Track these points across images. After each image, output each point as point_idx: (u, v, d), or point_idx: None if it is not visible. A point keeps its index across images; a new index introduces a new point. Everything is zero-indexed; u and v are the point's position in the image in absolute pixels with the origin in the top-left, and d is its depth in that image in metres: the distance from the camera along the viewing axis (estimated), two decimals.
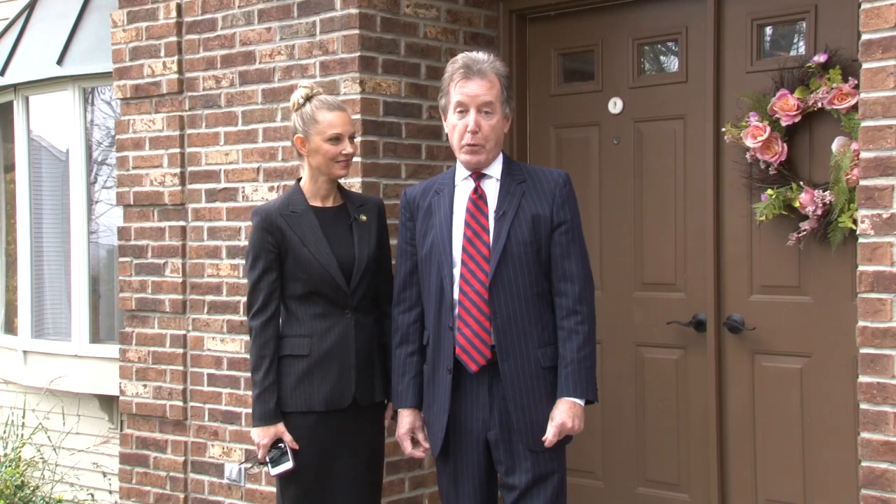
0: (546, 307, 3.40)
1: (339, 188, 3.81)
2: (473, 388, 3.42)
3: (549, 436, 3.32)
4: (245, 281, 4.72)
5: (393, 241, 3.80)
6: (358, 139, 4.35)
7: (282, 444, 3.63)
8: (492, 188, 3.44)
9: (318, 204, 3.73)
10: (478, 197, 3.43)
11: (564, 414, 3.34)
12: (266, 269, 3.67)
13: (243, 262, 4.75)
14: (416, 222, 3.55)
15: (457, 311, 3.40)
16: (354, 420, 3.69)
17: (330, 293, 3.66)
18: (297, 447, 3.62)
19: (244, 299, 4.75)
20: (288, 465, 3.61)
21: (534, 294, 3.37)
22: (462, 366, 3.40)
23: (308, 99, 3.70)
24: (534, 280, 3.37)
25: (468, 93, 3.38)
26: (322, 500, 3.66)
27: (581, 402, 3.37)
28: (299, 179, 3.79)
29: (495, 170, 3.46)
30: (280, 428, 3.63)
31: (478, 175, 3.46)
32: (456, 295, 3.40)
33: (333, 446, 3.66)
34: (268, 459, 3.65)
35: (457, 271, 3.40)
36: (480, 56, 3.44)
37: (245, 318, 4.73)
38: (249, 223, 4.70)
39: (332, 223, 3.72)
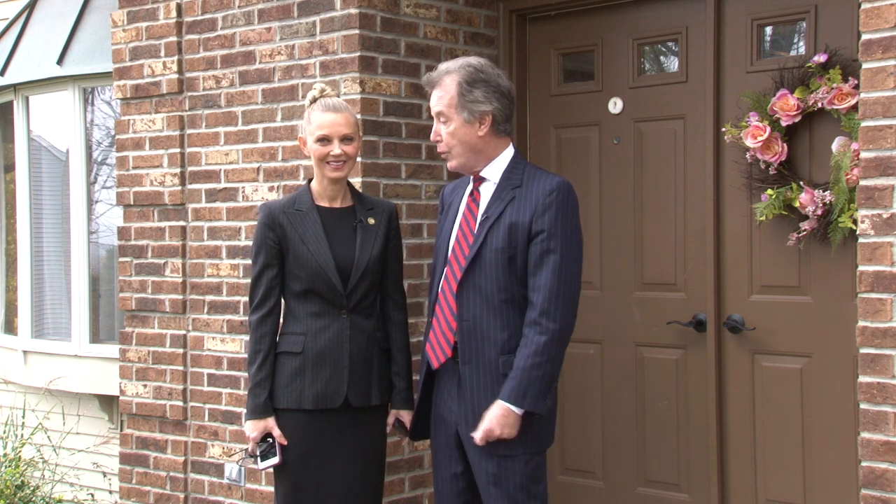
0: (516, 315, 3.33)
1: (351, 190, 3.82)
2: (448, 381, 3.47)
3: (477, 438, 3.29)
4: (246, 281, 4.73)
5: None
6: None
7: (271, 439, 3.66)
8: (488, 192, 3.45)
9: (324, 204, 3.74)
10: (472, 200, 3.47)
11: (494, 420, 3.27)
12: (266, 264, 3.69)
13: (244, 262, 4.76)
14: (440, 217, 3.63)
15: (434, 308, 3.48)
16: (348, 421, 3.68)
17: (326, 292, 3.66)
18: (285, 443, 3.64)
19: (244, 299, 4.76)
20: (275, 459, 3.64)
21: (501, 301, 3.32)
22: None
23: (314, 101, 3.71)
24: (502, 287, 3.32)
25: (431, 104, 3.46)
26: (312, 499, 3.66)
27: (517, 410, 3.25)
28: (310, 179, 3.80)
29: (494, 173, 3.44)
30: (270, 422, 3.66)
31: (478, 177, 3.47)
32: (436, 293, 3.48)
33: (323, 446, 3.65)
34: (257, 453, 3.67)
35: (446, 270, 3.46)
36: (443, 65, 3.46)
37: (245, 318, 4.74)
38: (250, 223, 4.72)
39: (337, 224, 3.72)
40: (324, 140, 3.64)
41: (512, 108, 3.47)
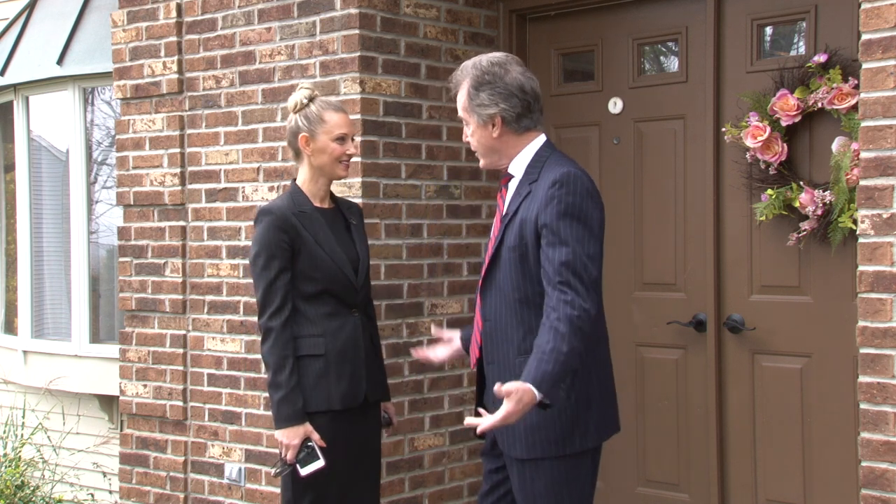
0: (531, 314, 3.25)
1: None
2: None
3: (495, 392, 3.04)
4: (245, 281, 4.73)
5: None
6: (358, 139, 4.36)
7: (310, 444, 3.61)
8: (512, 189, 3.38)
9: (318, 205, 3.77)
10: (500, 197, 3.42)
11: (515, 396, 2.97)
12: (282, 268, 3.64)
13: (244, 262, 4.75)
14: None
15: (475, 308, 3.47)
16: (363, 418, 3.77)
17: (341, 292, 3.71)
18: (324, 445, 3.62)
19: (244, 299, 4.75)
20: (319, 463, 3.59)
21: (516, 299, 3.27)
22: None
23: (311, 100, 3.73)
24: (516, 285, 3.27)
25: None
26: (340, 498, 3.70)
27: (536, 392, 3.00)
28: (294, 180, 3.81)
29: (518, 169, 3.36)
30: (308, 427, 3.62)
31: (506, 173, 3.41)
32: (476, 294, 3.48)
33: (348, 444, 3.71)
34: (296, 460, 3.62)
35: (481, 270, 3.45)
36: (464, 64, 3.38)
37: (245, 318, 4.74)
38: (250, 223, 4.71)
39: (333, 224, 3.78)
40: (342, 139, 3.72)
41: (529, 103, 3.30)
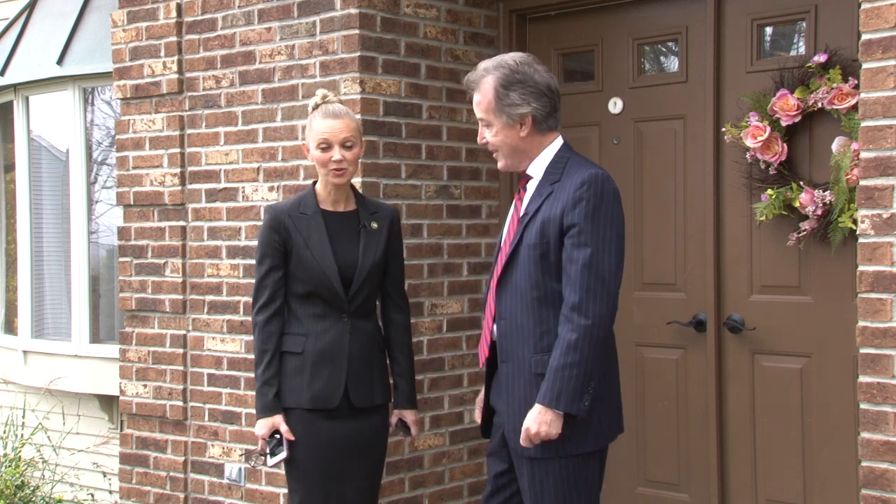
0: (549, 312, 3.26)
1: (355, 194, 3.86)
2: (498, 379, 3.42)
3: (521, 441, 3.23)
4: (246, 281, 4.73)
5: None
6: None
7: (278, 435, 3.70)
8: (532, 189, 3.38)
9: (328, 208, 3.78)
10: (518, 198, 3.42)
11: (530, 418, 3.17)
12: (272, 266, 3.73)
13: (244, 262, 4.76)
14: None
15: (484, 307, 3.46)
16: (352, 421, 3.73)
17: (328, 296, 3.72)
18: (292, 438, 3.68)
19: (244, 299, 4.76)
20: (282, 454, 3.69)
21: (533, 298, 3.27)
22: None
23: (317, 107, 3.75)
24: (534, 283, 3.27)
25: (473, 107, 3.40)
26: (327, 495, 3.70)
27: (553, 410, 3.16)
28: (315, 181, 3.83)
29: (537, 170, 3.36)
30: (277, 420, 3.70)
31: (524, 174, 3.41)
32: (486, 292, 3.47)
33: (330, 444, 3.70)
34: (267, 451, 3.72)
35: (493, 269, 3.44)
36: (482, 64, 3.36)
37: (245, 318, 4.74)
38: (249, 223, 4.73)
39: (341, 228, 3.77)
40: (324, 146, 3.69)
41: (555, 103, 3.34)
